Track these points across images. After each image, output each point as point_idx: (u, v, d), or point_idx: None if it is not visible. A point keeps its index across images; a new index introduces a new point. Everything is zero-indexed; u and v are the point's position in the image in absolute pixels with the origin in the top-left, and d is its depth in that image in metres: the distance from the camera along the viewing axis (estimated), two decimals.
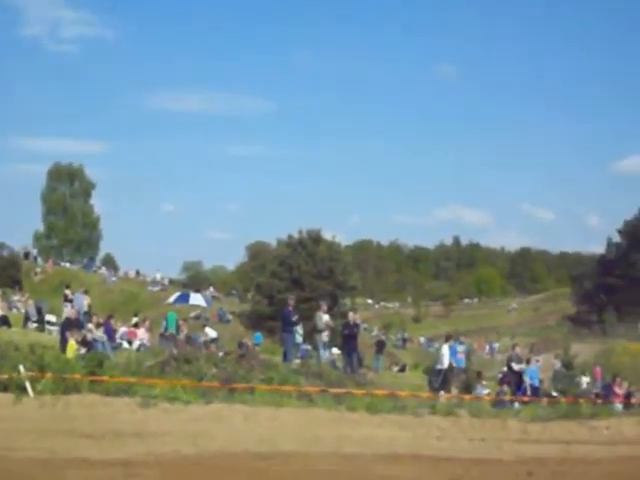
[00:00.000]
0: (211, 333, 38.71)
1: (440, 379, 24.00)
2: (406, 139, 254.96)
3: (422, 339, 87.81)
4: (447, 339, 26.51)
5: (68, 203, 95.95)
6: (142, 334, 30.08)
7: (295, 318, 25.51)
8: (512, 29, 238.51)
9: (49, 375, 15.39)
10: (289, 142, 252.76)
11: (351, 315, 27.54)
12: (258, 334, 45.64)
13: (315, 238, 60.93)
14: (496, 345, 75.25)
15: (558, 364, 38.53)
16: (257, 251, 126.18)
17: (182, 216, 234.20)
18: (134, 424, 12.48)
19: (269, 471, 9.02)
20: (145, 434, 11.42)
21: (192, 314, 53.29)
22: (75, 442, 10.59)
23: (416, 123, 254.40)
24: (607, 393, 26.34)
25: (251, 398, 15.25)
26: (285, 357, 24.24)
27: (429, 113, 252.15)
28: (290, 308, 25.49)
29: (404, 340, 78.31)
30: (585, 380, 37.86)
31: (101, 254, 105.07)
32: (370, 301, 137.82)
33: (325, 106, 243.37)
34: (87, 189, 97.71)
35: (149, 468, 9.00)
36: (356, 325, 26.38)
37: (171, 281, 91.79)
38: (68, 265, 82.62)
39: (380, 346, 37.59)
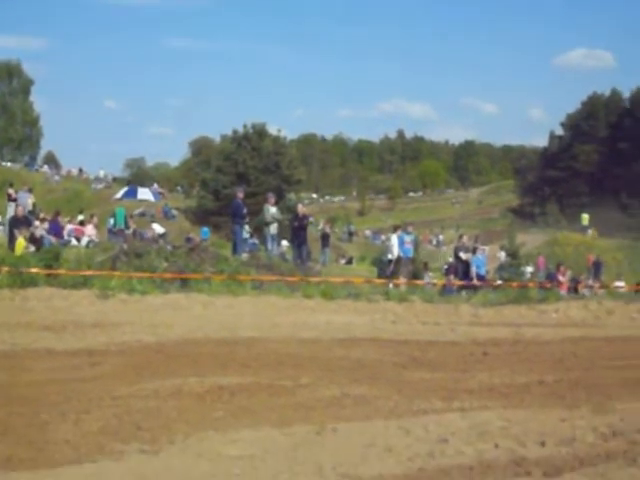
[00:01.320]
0: (158, 229, 38.67)
1: (390, 269, 24.29)
2: (351, 33, 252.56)
3: (367, 232, 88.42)
4: (395, 229, 26.69)
5: (7, 101, 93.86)
6: (90, 231, 29.85)
7: (245, 211, 25.40)
8: None
9: (5, 269, 15.35)
10: (231, 35, 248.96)
11: (300, 207, 27.58)
12: (205, 229, 45.59)
13: (260, 132, 60.46)
14: (442, 237, 76.11)
15: (503, 254, 39.19)
16: (201, 147, 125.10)
17: (124, 112, 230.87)
18: (93, 315, 12.54)
19: (232, 356, 9.14)
20: (105, 324, 11.49)
21: (137, 211, 52.97)
22: (36, 334, 10.61)
23: (358, 17, 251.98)
24: (551, 281, 26.93)
25: (207, 288, 15.37)
26: (235, 250, 24.16)
27: (376, 6, 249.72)
28: (240, 200, 25.33)
29: (350, 233, 78.85)
30: (529, 270, 38.65)
31: (42, 152, 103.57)
32: (315, 195, 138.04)
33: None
34: (26, 86, 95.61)
35: (112, 356, 9.07)
36: (305, 217, 26.44)
37: (115, 178, 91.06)
38: (9, 164, 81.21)
39: (325, 239, 37.74)
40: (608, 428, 6.11)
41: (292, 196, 58.08)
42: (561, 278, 27.53)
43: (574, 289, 26.03)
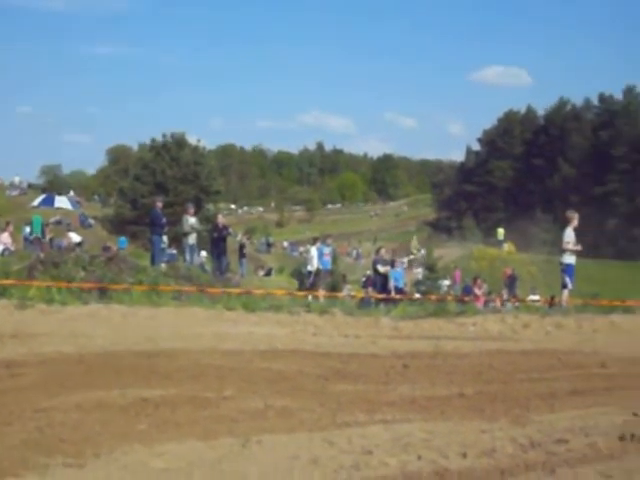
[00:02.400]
0: (75, 237, 38.25)
1: (309, 281, 24.42)
2: (270, 43, 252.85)
3: (286, 243, 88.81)
4: (314, 241, 26.84)
5: None
6: (5, 238, 29.28)
7: (164, 221, 25.27)
8: None
9: None
10: (150, 43, 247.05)
11: (220, 218, 27.63)
12: (122, 238, 45.27)
13: (179, 142, 60.33)
14: (361, 250, 76.70)
15: (421, 270, 39.68)
16: (119, 155, 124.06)
17: (40, 118, 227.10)
18: (12, 325, 12.31)
19: (154, 367, 9.10)
20: (24, 335, 11.29)
21: (52, 219, 52.27)
22: None
23: (279, 28, 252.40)
24: (468, 294, 27.36)
25: (127, 298, 15.25)
26: (153, 260, 24.02)
27: (300, 20, 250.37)
28: (159, 210, 25.19)
29: (268, 244, 79.01)
30: (446, 283, 39.23)
31: None
32: (233, 206, 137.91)
33: (187, 6, 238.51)
34: None
35: (33, 367, 8.93)
36: (225, 228, 26.49)
37: (30, 185, 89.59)
38: None
39: (242, 250, 37.80)
40: (527, 439, 6.29)
41: (211, 206, 57.99)
42: (477, 291, 27.98)
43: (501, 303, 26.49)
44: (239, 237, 44.00)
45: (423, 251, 70.49)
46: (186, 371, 8.99)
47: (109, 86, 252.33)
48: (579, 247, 18.15)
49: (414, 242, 74.71)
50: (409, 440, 6.20)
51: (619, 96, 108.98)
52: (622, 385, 9.24)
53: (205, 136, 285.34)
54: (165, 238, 27.62)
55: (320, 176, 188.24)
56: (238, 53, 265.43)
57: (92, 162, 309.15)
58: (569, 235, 18.11)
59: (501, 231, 74.79)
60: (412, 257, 68.36)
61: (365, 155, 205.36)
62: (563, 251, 18.16)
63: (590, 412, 7.52)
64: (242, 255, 38.10)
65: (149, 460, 5.52)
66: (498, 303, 26.34)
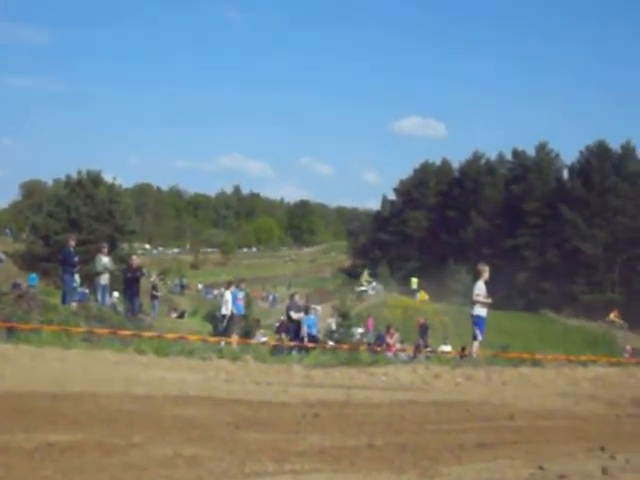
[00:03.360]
0: None
1: (223, 325, 24.29)
2: (190, 84, 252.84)
3: (200, 286, 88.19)
4: (229, 285, 26.70)
5: None
6: None
7: (76, 259, 24.95)
8: None
9: None
10: (71, 77, 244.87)
11: (134, 258, 27.38)
12: (33, 275, 44.40)
13: (94, 179, 59.72)
14: (277, 295, 76.62)
15: (336, 315, 39.72)
16: (32, 189, 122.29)
17: None
18: None
19: (61, 411, 8.92)
20: None
21: None
22: None
23: (199, 70, 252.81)
24: (380, 343, 27.53)
25: (37, 339, 14.95)
26: (64, 299, 23.67)
27: (217, 58, 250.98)
28: (71, 248, 24.87)
29: (182, 286, 78.43)
30: (359, 331, 39.37)
31: None
32: (148, 246, 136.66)
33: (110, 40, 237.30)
34: None
35: None
36: (139, 269, 26.23)
37: None
38: None
39: (155, 291, 37.47)
40: None
41: (125, 246, 57.37)
42: (390, 340, 28.18)
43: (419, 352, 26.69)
44: (153, 278, 43.61)
45: (374, 284, 70.93)
46: (94, 416, 8.85)
47: (25, 119, 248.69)
48: (489, 300, 18.44)
49: (365, 276, 74.87)
50: None
51: (532, 152, 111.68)
52: (529, 438, 9.37)
53: (121, 174, 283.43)
54: (77, 277, 27.14)
55: (236, 219, 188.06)
56: (157, 92, 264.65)
57: (4, 195, 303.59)
58: (480, 287, 18.39)
59: (415, 280, 75.69)
60: (362, 289, 68.79)
61: (282, 200, 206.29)
62: (473, 303, 18.42)
63: (497, 464, 7.60)
64: (155, 296, 37.73)
65: None
66: (413, 353, 26.55)
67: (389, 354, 24.29)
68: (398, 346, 28.43)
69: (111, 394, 10.53)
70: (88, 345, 15.50)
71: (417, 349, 27.91)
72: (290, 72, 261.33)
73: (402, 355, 25.54)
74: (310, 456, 7.66)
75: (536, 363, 18.72)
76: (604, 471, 7.33)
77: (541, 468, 7.37)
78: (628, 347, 51.77)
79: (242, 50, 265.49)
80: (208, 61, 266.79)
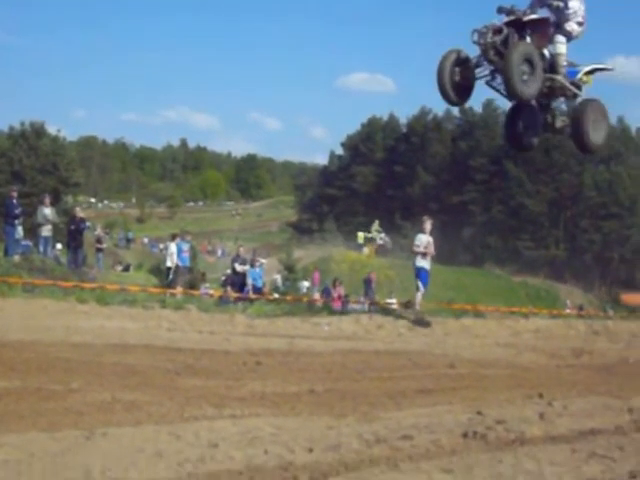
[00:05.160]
0: None
1: (169, 277, 24.13)
2: (139, 36, 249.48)
3: (146, 239, 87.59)
4: (173, 238, 26.46)
5: None
6: None
7: (18, 211, 24.54)
8: None
9: None
10: (12, 28, 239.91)
11: (78, 210, 27.02)
12: None
13: (38, 131, 58.65)
14: (226, 249, 76.27)
15: (279, 276, 39.61)
16: None
17: None
18: None
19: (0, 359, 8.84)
20: None
21: None
22: None
23: (149, 24, 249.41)
24: (327, 296, 27.58)
25: None
26: (6, 252, 23.29)
27: (167, 13, 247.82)
28: (13, 200, 24.45)
29: (128, 240, 77.78)
30: (305, 285, 39.40)
31: None
32: (93, 200, 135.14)
33: None
34: None
35: None
36: (82, 220, 25.87)
37: None
38: None
39: (99, 244, 37.03)
40: (373, 435, 6.37)
41: (69, 199, 56.67)
42: (335, 293, 28.23)
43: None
44: (97, 231, 43.08)
45: (383, 235, 70.76)
46: (33, 363, 8.77)
47: None
48: (427, 251, 18.40)
49: (375, 225, 74.63)
50: (256, 434, 6.20)
51: (479, 108, 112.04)
52: (468, 385, 9.49)
53: (66, 127, 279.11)
54: (20, 229, 26.70)
55: (183, 173, 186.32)
56: (105, 43, 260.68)
57: None
58: (419, 239, 18.40)
59: (361, 235, 75.74)
60: (370, 236, 68.60)
61: (229, 154, 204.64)
62: (415, 255, 18.48)
63: (436, 410, 7.69)
64: (99, 249, 37.33)
65: None
66: (358, 305, 26.61)
67: (336, 307, 24.32)
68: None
69: (50, 342, 10.45)
70: (29, 295, 15.32)
71: (371, 301, 27.99)
72: (238, 25, 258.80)
73: (356, 306, 25.55)
74: (250, 402, 7.67)
75: (479, 315, 18.93)
76: (541, 416, 7.45)
77: (479, 413, 7.46)
78: (568, 302, 52.77)
79: (194, 4, 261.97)
80: (158, 15, 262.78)
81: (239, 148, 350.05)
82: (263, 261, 31.87)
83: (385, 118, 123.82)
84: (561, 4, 12.68)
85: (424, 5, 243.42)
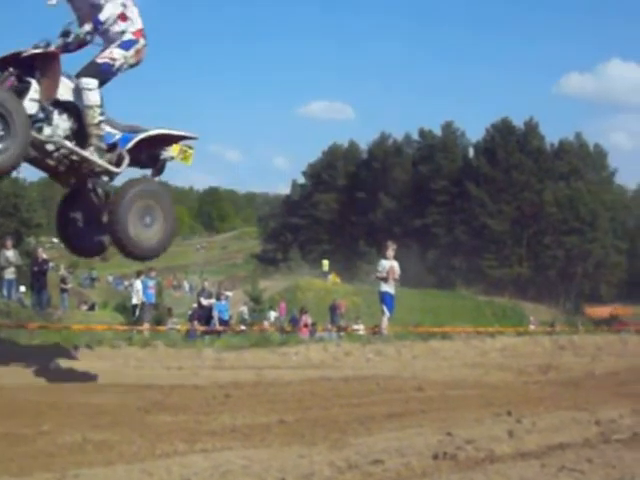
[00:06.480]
0: None
1: (135, 314, 24.12)
2: None
3: (110, 277, 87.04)
4: (138, 275, 26.50)
5: None
6: None
7: None
8: None
9: None
10: None
11: (40, 251, 26.94)
12: None
13: None
14: (194, 283, 76.04)
15: (246, 308, 39.62)
16: None
17: None
18: None
19: None
20: None
21: None
22: None
23: None
24: (294, 325, 27.66)
25: None
26: None
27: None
28: None
29: (92, 279, 77.27)
30: (273, 315, 39.49)
31: None
32: (55, 240, 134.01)
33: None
34: None
35: None
36: (45, 261, 25.84)
37: None
38: None
39: (64, 284, 36.83)
40: (344, 462, 6.40)
41: (32, 240, 56.32)
42: (302, 322, 28.33)
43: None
44: (61, 271, 42.85)
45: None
46: (1, 407, 8.72)
47: None
48: (388, 275, 18.55)
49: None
50: (228, 467, 6.20)
51: (438, 131, 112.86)
52: (438, 407, 9.56)
53: (26, 168, 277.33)
54: None
55: None
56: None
57: None
58: (381, 265, 18.68)
59: (326, 263, 76.06)
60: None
61: (191, 188, 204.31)
62: (379, 280, 18.67)
63: (406, 433, 7.74)
64: (64, 290, 37.10)
65: None
66: (325, 333, 26.69)
67: (303, 335, 24.40)
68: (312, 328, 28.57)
69: (19, 385, 10.39)
70: None
71: (339, 328, 28.08)
72: (196, 57, 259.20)
73: (324, 334, 25.62)
74: (221, 435, 7.69)
75: (445, 336, 19.04)
76: (510, 434, 7.53)
77: (449, 434, 7.52)
78: (532, 318, 53.33)
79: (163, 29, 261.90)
80: None
81: (201, 182, 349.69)
82: (229, 294, 31.85)
83: (345, 145, 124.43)
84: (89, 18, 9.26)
85: (378, 32, 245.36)
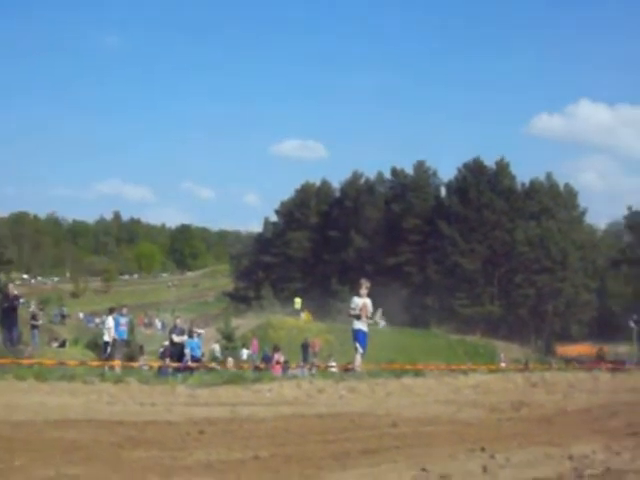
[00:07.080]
0: None
1: (107, 351, 24.01)
2: (66, 109, 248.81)
3: (81, 314, 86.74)
4: (110, 311, 26.45)
5: None
6: None
7: None
8: None
9: None
10: None
11: (11, 287, 26.76)
12: None
13: None
14: (165, 320, 75.85)
15: (217, 346, 39.56)
16: None
17: None
18: None
19: None
20: None
21: None
22: None
23: (78, 96, 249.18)
24: (267, 362, 27.61)
25: None
26: None
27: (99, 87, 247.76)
28: None
29: (63, 316, 76.86)
30: (246, 352, 39.45)
31: None
32: (26, 276, 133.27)
33: None
34: None
35: None
36: (16, 298, 25.66)
37: None
38: None
39: (34, 320, 36.57)
40: None
41: (2, 276, 55.98)
42: (276, 359, 28.29)
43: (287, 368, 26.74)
44: (32, 307, 42.54)
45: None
46: None
47: None
48: (361, 313, 18.63)
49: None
50: None
51: (410, 170, 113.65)
52: (412, 443, 9.56)
53: None
54: None
55: (117, 246, 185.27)
56: (33, 116, 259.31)
57: None
58: (354, 302, 18.78)
59: (298, 301, 76.09)
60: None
61: (163, 225, 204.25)
62: (352, 317, 18.75)
63: (381, 469, 7.75)
64: (35, 326, 36.83)
65: None
66: (297, 370, 26.72)
67: (276, 373, 24.36)
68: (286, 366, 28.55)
69: None
70: None
71: (311, 366, 28.13)
72: (164, 93, 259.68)
73: (297, 371, 25.66)
74: (196, 471, 7.66)
75: (419, 373, 19.06)
76: (484, 469, 7.57)
77: (424, 470, 7.54)
78: (502, 355, 53.71)
79: (116, 76, 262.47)
80: (85, 87, 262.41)
81: (173, 219, 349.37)
82: (201, 331, 31.77)
83: (318, 183, 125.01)
84: None
85: (349, 71, 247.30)
